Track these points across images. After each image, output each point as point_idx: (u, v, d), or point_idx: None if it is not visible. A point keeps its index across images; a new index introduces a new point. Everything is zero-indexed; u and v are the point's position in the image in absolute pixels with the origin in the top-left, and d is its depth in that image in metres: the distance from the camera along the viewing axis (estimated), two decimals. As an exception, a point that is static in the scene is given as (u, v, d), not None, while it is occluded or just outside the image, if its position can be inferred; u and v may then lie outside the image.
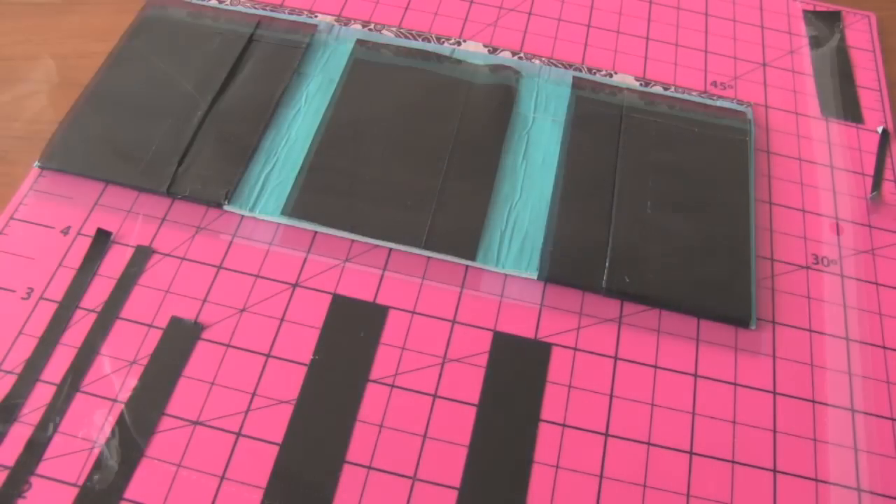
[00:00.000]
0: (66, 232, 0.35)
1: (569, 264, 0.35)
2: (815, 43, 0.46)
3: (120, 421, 0.30)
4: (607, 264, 0.34)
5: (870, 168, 0.40)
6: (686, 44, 0.45)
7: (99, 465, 0.29)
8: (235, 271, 0.34)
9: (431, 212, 0.36)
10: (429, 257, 0.35)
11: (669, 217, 0.36)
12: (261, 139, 0.38)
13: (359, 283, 0.34)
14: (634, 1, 0.47)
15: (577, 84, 0.41)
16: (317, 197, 0.36)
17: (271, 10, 0.43)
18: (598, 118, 0.40)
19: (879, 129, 0.41)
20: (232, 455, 0.30)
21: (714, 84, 0.43)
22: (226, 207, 0.35)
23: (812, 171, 0.39)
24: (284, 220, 0.35)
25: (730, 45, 0.45)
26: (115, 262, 0.34)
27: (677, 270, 0.35)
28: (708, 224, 0.36)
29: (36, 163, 0.36)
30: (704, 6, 0.47)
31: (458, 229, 0.35)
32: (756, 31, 0.46)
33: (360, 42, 0.42)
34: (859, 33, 0.46)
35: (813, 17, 0.47)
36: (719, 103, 0.41)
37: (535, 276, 0.34)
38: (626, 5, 0.47)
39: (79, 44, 0.43)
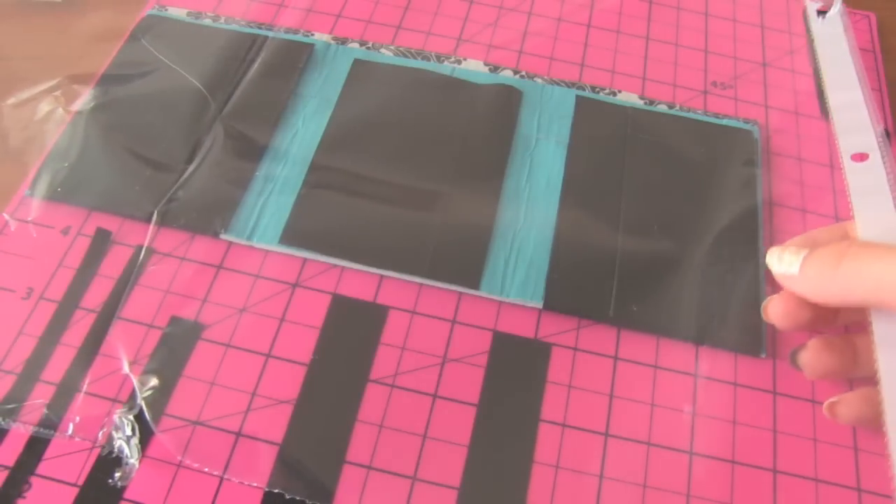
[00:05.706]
0: (66, 232, 0.35)
1: (575, 293, 0.34)
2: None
3: (130, 397, 0.30)
4: (614, 293, 0.34)
5: (870, 168, 0.40)
6: (686, 44, 0.45)
7: (111, 439, 0.30)
8: (235, 271, 0.34)
9: (434, 238, 0.35)
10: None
11: (677, 241, 0.35)
12: (257, 165, 0.37)
13: (359, 283, 0.34)
14: (634, 0, 0.47)
15: (581, 105, 0.41)
16: (315, 225, 0.35)
17: (266, 30, 0.43)
18: (601, 140, 0.39)
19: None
20: (232, 454, 0.30)
21: (714, 84, 0.43)
22: (222, 237, 0.35)
23: (812, 171, 0.39)
24: (283, 249, 0.35)
25: (730, 45, 0.45)
26: (115, 262, 0.34)
27: (685, 299, 0.34)
28: (716, 249, 0.35)
29: (26, 191, 0.36)
30: (704, 6, 0.47)
31: (461, 257, 0.35)
32: (756, 31, 0.46)
33: (357, 62, 0.42)
34: (859, 33, 0.46)
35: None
36: (725, 122, 0.41)
37: (540, 304, 0.34)
38: (626, 4, 0.47)
39: (79, 42, 0.43)
